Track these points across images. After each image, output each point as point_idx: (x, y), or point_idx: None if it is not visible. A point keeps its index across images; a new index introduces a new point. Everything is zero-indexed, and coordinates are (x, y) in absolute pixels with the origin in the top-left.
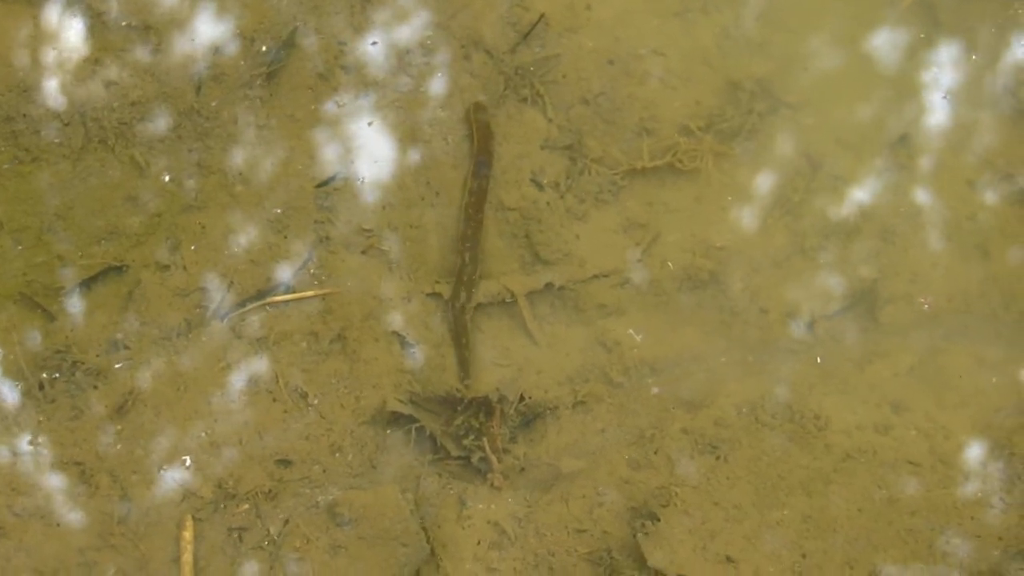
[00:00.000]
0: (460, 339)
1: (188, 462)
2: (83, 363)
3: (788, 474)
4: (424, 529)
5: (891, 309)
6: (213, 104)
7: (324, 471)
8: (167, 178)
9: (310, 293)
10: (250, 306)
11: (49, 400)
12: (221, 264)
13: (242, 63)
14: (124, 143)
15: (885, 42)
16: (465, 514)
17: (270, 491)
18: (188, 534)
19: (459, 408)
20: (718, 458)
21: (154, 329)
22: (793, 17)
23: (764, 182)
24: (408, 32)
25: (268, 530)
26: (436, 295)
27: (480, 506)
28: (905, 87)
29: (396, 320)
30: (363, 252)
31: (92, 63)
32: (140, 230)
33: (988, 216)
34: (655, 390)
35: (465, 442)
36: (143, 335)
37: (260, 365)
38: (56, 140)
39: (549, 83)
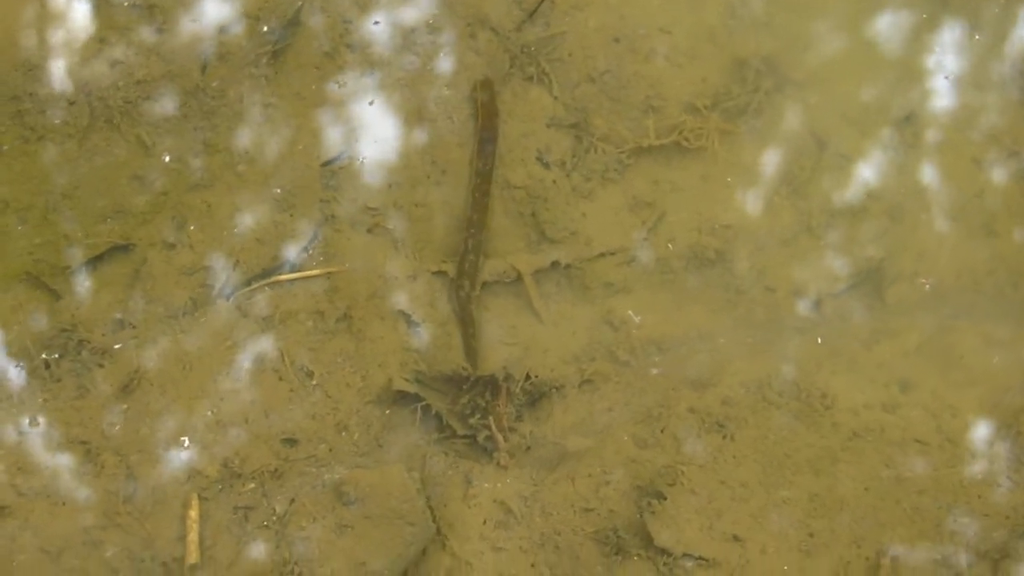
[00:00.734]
0: (467, 328)
1: (190, 442)
2: (89, 342)
3: (795, 453)
4: (430, 508)
5: (898, 288)
6: (218, 83)
7: (330, 450)
8: (172, 157)
9: (316, 272)
10: (256, 285)
11: (55, 379)
12: (227, 243)
13: (247, 42)
14: (130, 122)
15: (891, 20)
16: (471, 493)
17: (276, 470)
18: (194, 513)
19: (465, 387)
20: (725, 437)
21: (160, 308)
22: None
23: (770, 160)
24: (413, 10)
25: (274, 509)
26: (442, 273)
27: (486, 485)
28: (911, 65)
29: (402, 299)
30: (369, 231)
31: (97, 42)
32: (146, 209)
33: (995, 194)
34: (654, 371)
35: (471, 421)
36: (149, 314)
37: (266, 344)
38: (62, 119)
39: (555, 61)
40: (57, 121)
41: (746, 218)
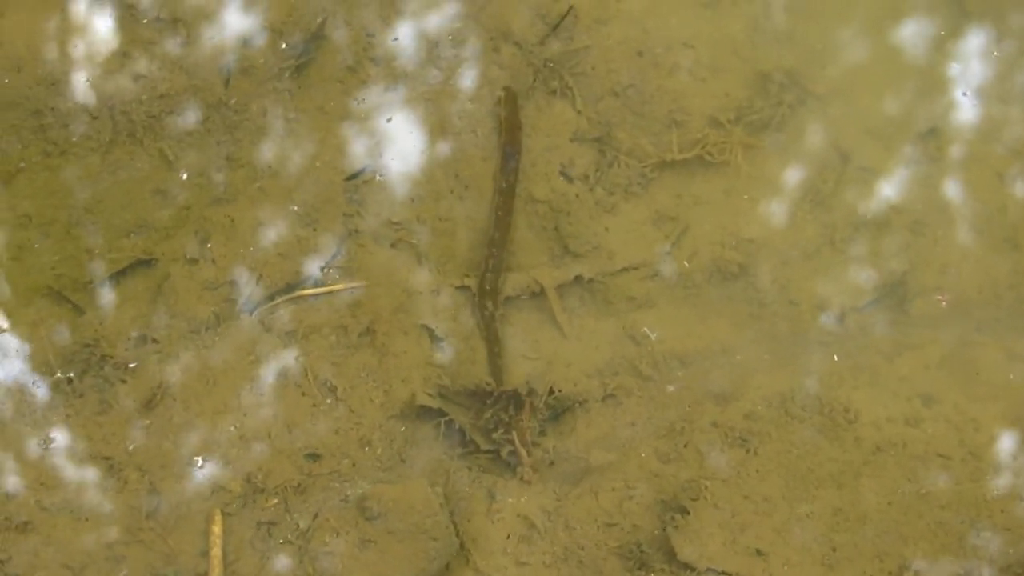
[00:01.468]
0: (492, 346)
1: (213, 457)
2: (111, 357)
3: (818, 467)
4: (453, 523)
5: (921, 302)
6: (241, 97)
7: (353, 465)
8: (196, 171)
9: (339, 286)
10: (279, 299)
11: (77, 394)
12: (250, 257)
13: (271, 56)
14: (152, 136)
15: (913, 33)
16: (494, 508)
17: (299, 485)
18: (217, 528)
19: (488, 401)
20: (748, 451)
21: (183, 323)
22: (822, 8)
23: (793, 174)
24: (437, 24)
25: (297, 524)
26: (465, 288)
27: (510, 499)
28: (934, 78)
29: (425, 313)
30: (392, 245)
31: (120, 56)
32: (169, 223)
33: (1018, 208)
34: (670, 388)
35: (494, 435)
36: (172, 329)
37: (289, 359)
38: (84, 134)
39: (578, 75)
40: (80, 135)
41: (769, 232)
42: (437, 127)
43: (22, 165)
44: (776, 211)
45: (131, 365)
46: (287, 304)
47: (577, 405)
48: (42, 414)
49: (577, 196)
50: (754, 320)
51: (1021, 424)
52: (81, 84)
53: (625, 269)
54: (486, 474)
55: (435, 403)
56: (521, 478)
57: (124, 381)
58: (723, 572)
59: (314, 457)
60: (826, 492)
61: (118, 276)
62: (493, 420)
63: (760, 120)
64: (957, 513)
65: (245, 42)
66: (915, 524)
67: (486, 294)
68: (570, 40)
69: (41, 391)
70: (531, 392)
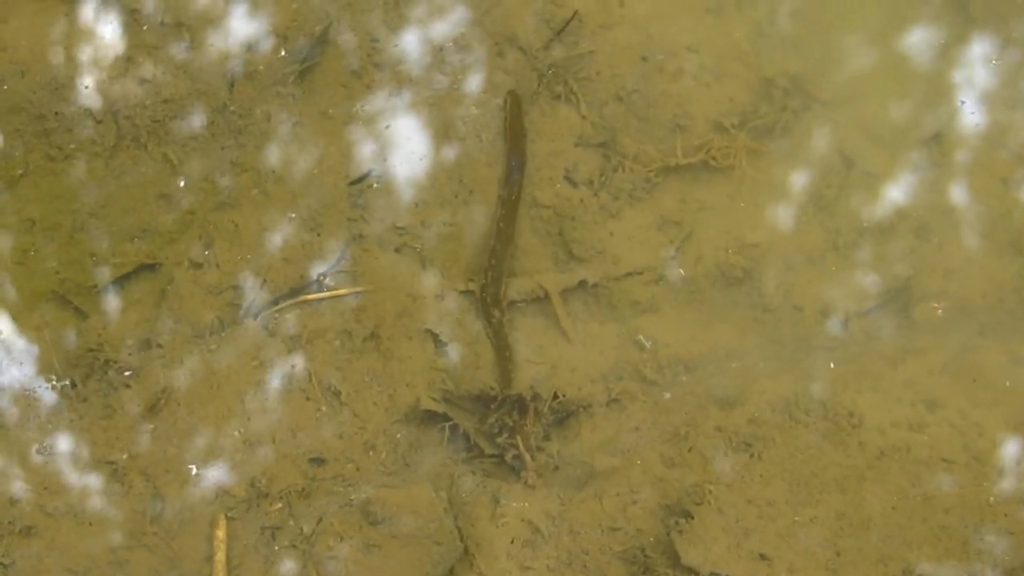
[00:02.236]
0: (502, 352)
1: (214, 463)
2: (115, 361)
3: (822, 471)
4: (458, 527)
5: (925, 306)
6: (245, 102)
7: (357, 469)
8: (200, 176)
9: (343, 291)
10: (283, 304)
11: (81, 399)
12: (254, 262)
13: (275, 60)
14: (157, 141)
15: (917, 39)
16: (499, 512)
17: (303, 489)
18: (221, 533)
19: (493, 406)
20: (752, 456)
21: (187, 327)
22: (827, 13)
23: (798, 179)
24: (441, 29)
25: (301, 529)
26: (469, 292)
27: (514, 504)
28: (938, 84)
29: (430, 318)
30: (396, 250)
31: (124, 61)
32: (173, 228)
33: (1022, 213)
34: (667, 395)
35: (499, 440)
36: (176, 333)
37: (293, 363)
38: (88, 138)
39: (583, 80)
40: (84, 140)
41: (773, 237)
42: (441, 132)
43: (25, 170)
44: (780, 216)
45: (143, 367)
46: (291, 309)
47: (581, 410)
48: (46, 418)
49: (581, 201)
50: (758, 325)
51: None
52: (85, 88)
53: (629, 274)
54: (490, 479)
55: (439, 407)
56: (525, 483)
57: (128, 386)
58: None
59: (318, 461)
60: (830, 497)
61: (122, 280)
62: (497, 425)
63: (764, 125)
64: (961, 517)
65: (249, 47)
66: (919, 528)
67: (488, 305)
68: (574, 45)
69: (45, 395)
70: (535, 397)
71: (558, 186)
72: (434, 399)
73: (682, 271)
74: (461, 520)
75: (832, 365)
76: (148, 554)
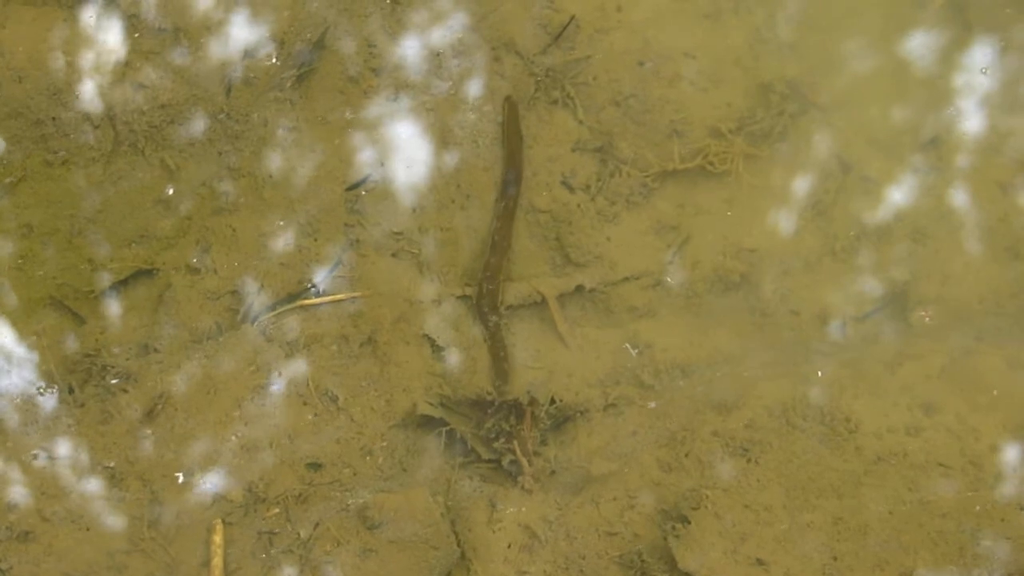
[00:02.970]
0: (497, 351)
1: (211, 468)
2: (113, 367)
3: (819, 476)
4: (455, 532)
5: (930, 308)
6: (243, 107)
7: (354, 474)
8: (197, 181)
9: (341, 296)
10: (281, 309)
11: (79, 404)
12: (252, 267)
13: (272, 66)
14: (154, 146)
15: (915, 44)
16: (496, 517)
17: (300, 494)
18: (218, 538)
19: (490, 411)
20: (749, 460)
21: (185, 332)
22: (824, 19)
23: (795, 184)
24: (438, 34)
25: (298, 534)
26: (467, 298)
27: (511, 509)
28: (935, 89)
29: (427, 323)
30: (394, 255)
31: (122, 66)
32: (170, 233)
33: (1019, 218)
34: (652, 404)
35: (496, 445)
36: (174, 338)
37: (291, 368)
38: (86, 144)
39: (580, 85)
40: (81, 145)
41: (771, 241)
42: (438, 137)
43: (23, 175)
44: (777, 221)
45: (140, 372)
46: (289, 314)
47: (578, 414)
48: (44, 424)
49: (579, 206)
50: (755, 330)
51: (1022, 433)
52: (83, 94)
53: (627, 279)
54: (487, 483)
55: (436, 412)
56: (522, 487)
57: (126, 391)
58: None
59: (315, 466)
60: (827, 501)
61: (120, 286)
62: (494, 429)
63: (761, 130)
64: (958, 522)
65: (247, 52)
66: (916, 533)
67: (485, 312)
68: (572, 50)
69: (43, 401)
70: (532, 401)
71: (555, 191)
72: (431, 404)
73: (670, 279)
74: (458, 525)
75: (820, 373)
76: (146, 559)
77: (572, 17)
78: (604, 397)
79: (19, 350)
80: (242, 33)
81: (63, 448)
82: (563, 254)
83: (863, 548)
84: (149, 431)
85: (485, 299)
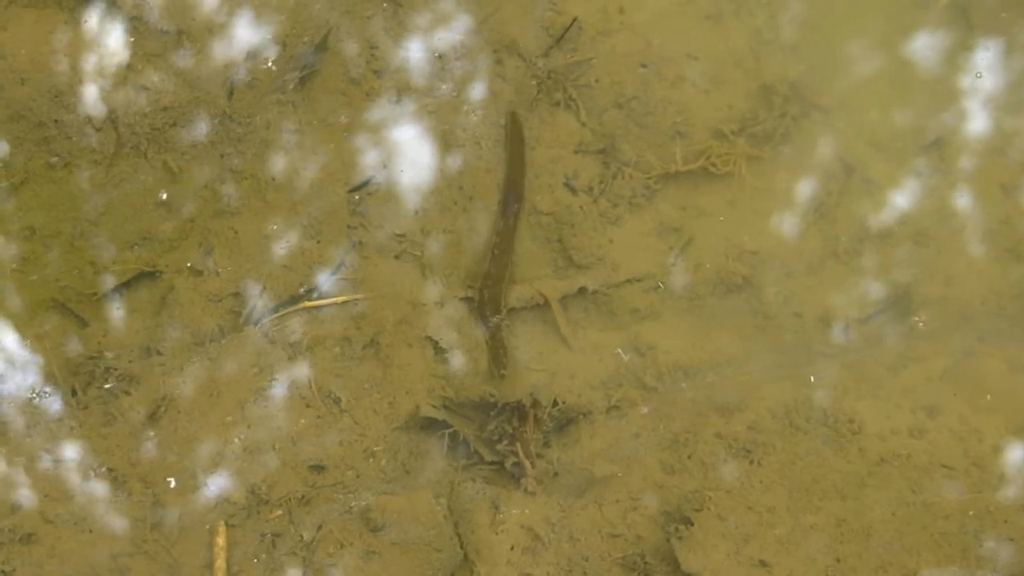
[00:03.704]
0: (496, 347)
1: (214, 470)
2: (116, 369)
3: (822, 478)
4: (458, 534)
5: (925, 312)
6: (245, 109)
7: (357, 476)
8: (200, 184)
9: (343, 298)
10: (283, 311)
11: (82, 406)
12: (254, 269)
13: (274, 68)
14: (157, 148)
15: (917, 45)
16: (499, 519)
17: (303, 497)
18: (221, 540)
19: (493, 413)
20: (752, 462)
21: (187, 335)
22: (826, 20)
23: (797, 186)
24: (441, 37)
25: (301, 536)
26: (469, 299)
27: (514, 511)
28: (937, 90)
29: (430, 325)
30: (396, 257)
31: (124, 68)
32: (173, 235)
33: (1021, 220)
34: (644, 410)
35: (499, 447)
36: (176, 341)
37: (293, 370)
38: (88, 146)
39: (582, 87)
40: (84, 148)
41: (773, 243)
42: (441, 139)
43: (25, 178)
44: (780, 223)
45: (143, 374)
46: (291, 316)
47: (581, 416)
48: (46, 426)
49: (581, 208)
50: (758, 332)
51: None
52: (85, 97)
53: (629, 281)
54: (490, 485)
55: (439, 414)
56: (525, 489)
57: (128, 393)
58: None
59: (318, 469)
60: (830, 503)
61: (122, 288)
62: (497, 431)
63: (764, 132)
64: (961, 524)
65: (249, 54)
66: (919, 535)
67: (486, 315)
68: (574, 52)
69: (46, 403)
70: (535, 404)
71: (557, 193)
72: (434, 406)
73: (661, 284)
74: (461, 527)
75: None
76: (148, 561)
77: (574, 19)
78: (607, 399)
79: (22, 353)
80: (244, 35)
81: (66, 450)
82: (565, 256)
83: (866, 550)
84: (152, 433)
85: (487, 306)
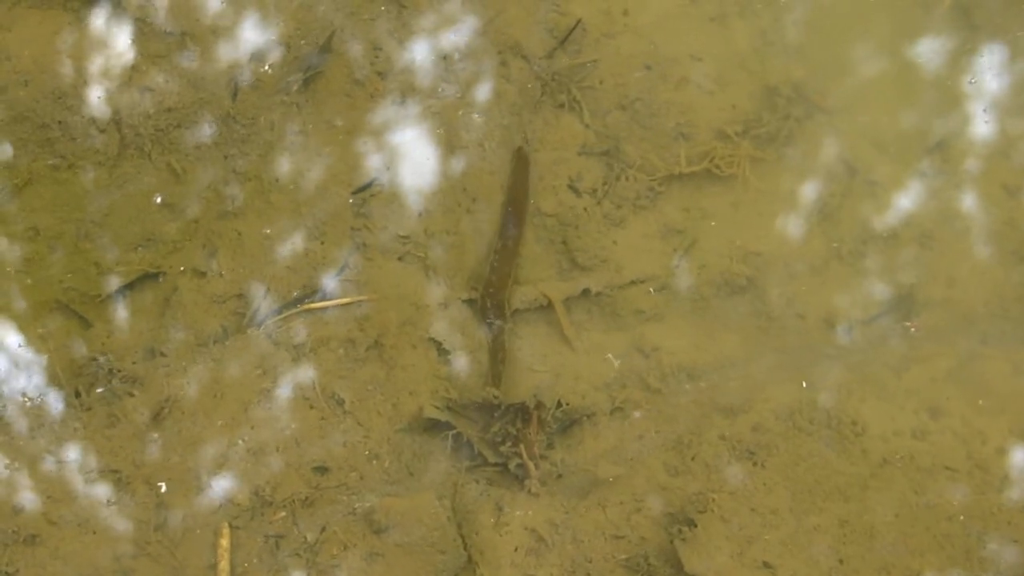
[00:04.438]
0: (495, 356)
1: (221, 470)
2: (120, 370)
3: (825, 480)
4: (461, 536)
5: (928, 314)
6: (249, 111)
7: (361, 478)
8: (204, 185)
9: (347, 300)
10: (287, 313)
11: (86, 408)
12: (258, 271)
13: (279, 69)
14: (160, 149)
15: (921, 47)
16: (502, 520)
17: (307, 498)
18: (225, 541)
19: (496, 414)
20: (755, 464)
21: (191, 336)
22: (830, 22)
23: (801, 188)
24: (445, 38)
25: (305, 537)
26: (473, 301)
27: (517, 512)
28: (941, 92)
29: (433, 326)
30: (400, 258)
31: (128, 70)
32: (177, 237)
33: None
34: (637, 414)
35: (502, 448)
36: (180, 342)
37: (297, 372)
38: (92, 147)
39: (586, 88)
40: (87, 149)
41: (777, 245)
42: (445, 141)
43: (29, 179)
44: (784, 224)
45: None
46: (295, 317)
47: (585, 418)
48: (50, 427)
49: (585, 209)
50: (762, 333)
51: None
52: (89, 98)
53: (633, 282)
54: (494, 487)
55: (443, 416)
56: (529, 491)
57: (132, 394)
58: None
59: (322, 470)
60: (833, 505)
61: (126, 289)
62: (501, 433)
63: (768, 133)
64: (964, 526)
65: (253, 56)
66: (922, 537)
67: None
68: (578, 54)
69: (49, 404)
70: (539, 405)
71: (561, 195)
72: (437, 408)
73: (652, 290)
74: (465, 528)
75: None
76: (152, 563)
77: (578, 21)
78: (611, 400)
79: (25, 354)
80: (248, 37)
81: (69, 452)
82: (569, 258)
83: (869, 551)
84: (156, 435)
85: (490, 311)
